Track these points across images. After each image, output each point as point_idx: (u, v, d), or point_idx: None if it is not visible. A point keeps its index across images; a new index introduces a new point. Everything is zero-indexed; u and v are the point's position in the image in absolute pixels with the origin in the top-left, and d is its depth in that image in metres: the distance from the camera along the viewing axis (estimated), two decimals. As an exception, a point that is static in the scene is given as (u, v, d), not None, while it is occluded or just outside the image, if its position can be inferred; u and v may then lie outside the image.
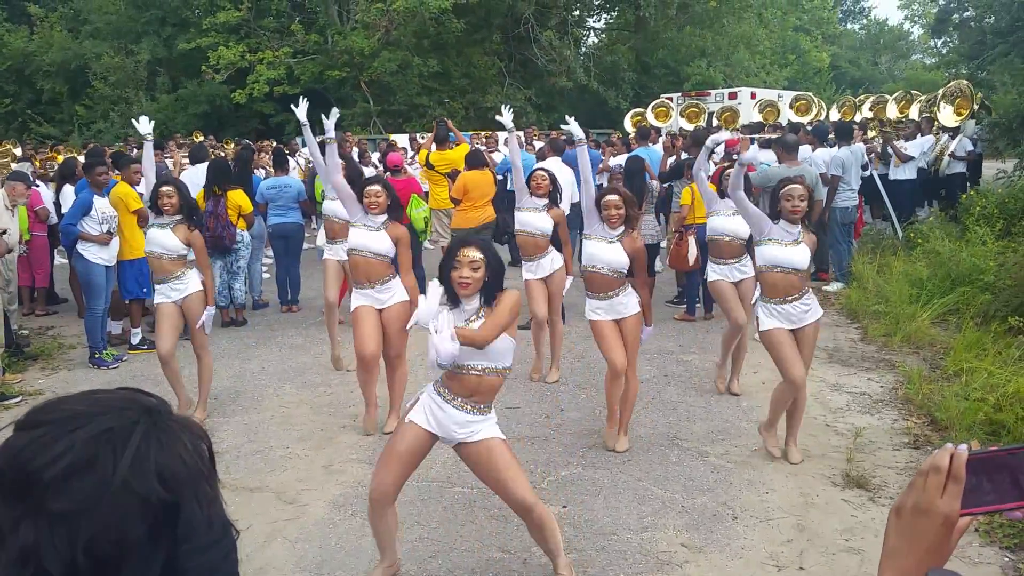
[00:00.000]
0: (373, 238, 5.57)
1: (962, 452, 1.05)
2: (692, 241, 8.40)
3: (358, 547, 4.27)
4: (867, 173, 11.16)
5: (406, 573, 3.99)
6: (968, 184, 12.71)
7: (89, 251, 7.51)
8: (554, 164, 9.30)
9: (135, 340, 8.14)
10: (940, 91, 14.20)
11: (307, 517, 4.63)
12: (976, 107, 13.49)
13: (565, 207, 8.57)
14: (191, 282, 6.01)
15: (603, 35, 33.61)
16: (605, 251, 5.30)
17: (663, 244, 10.27)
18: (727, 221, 6.40)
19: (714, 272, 6.51)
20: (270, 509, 4.75)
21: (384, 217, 5.61)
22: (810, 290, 5.18)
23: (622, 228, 5.33)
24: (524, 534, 4.29)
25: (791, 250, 5.02)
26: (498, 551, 4.21)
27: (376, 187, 5.62)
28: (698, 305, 8.98)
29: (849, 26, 58.22)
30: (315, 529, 4.49)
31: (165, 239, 5.92)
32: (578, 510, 4.61)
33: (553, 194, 6.83)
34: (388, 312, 5.68)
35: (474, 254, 3.56)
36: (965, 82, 14.31)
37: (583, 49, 31.10)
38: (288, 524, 4.56)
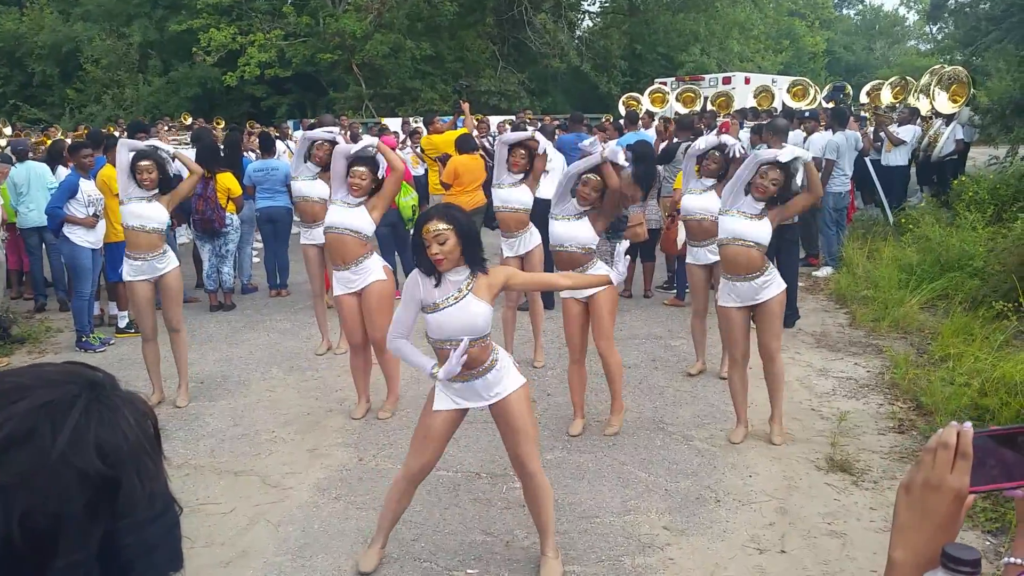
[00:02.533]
0: (350, 215, 5.52)
1: (968, 429, 1.08)
2: (682, 225, 8.37)
3: (341, 530, 4.27)
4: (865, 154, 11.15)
5: (389, 554, 3.99)
6: (959, 170, 12.71)
7: (75, 234, 7.46)
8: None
9: (122, 324, 8.12)
10: (930, 77, 14.15)
11: (291, 500, 4.63)
12: (972, 93, 13.47)
13: (552, 192, 8.52)
14: (170, 260, 5.99)
15: (597, 19, 33.47)
16: (571, 229, 5.24)
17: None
18: (697, 199, 6.37)
19: (690, 255, 6.54)
20: (254, 492, 4.75)
21: (362, 200, 5.58)
22: (771, 266, 5.17)
23: (589, 208, 5.28)
24: (507, 517, 4.32)
25: (753, 223, 5.02)
26: (481, 534, 4.22)
27: (362, 169, 5.53)
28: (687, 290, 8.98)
29: (844, 11, 58.19)
30: (299, 512, 4.49)
31: (145, 210, 5.81)
32: (562, 493, 4.60)
33: (528, 167, 6.79)
34: (366, 293, 5.60)
35: (437, 226, 3.51)
36: (962, 69, 14.28)
37: (577, 33, 30.97)
38: (272, 507, 4.55)
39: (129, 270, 5.92)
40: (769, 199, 5.04)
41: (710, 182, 6.37)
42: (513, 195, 6.66)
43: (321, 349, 7.41)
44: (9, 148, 10.23)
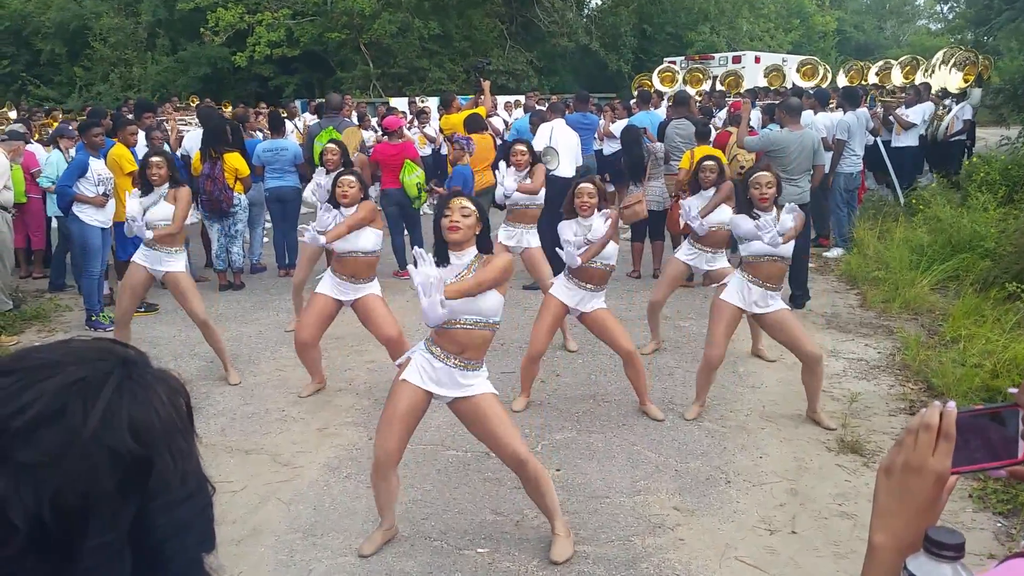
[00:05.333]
0: (359, 239, 5.53)
1: (951, 410, 1.05)
2: (685, 206, 8.35)
3: (351, 509, 4.28)
4: (871, 142, 11.05)
5: (400, 534, 4.00)
6: (969, 151, 12.62)
7: (85, 213, 7.46)
8: (558, 126, 9.23)
9: (132, 303, 8.12)
10: (940, 56, 14.03)
11: (301, 479, 4.65)
12: (984, 75, 13.36)
13: (569, 170, 8.51)
14: (179, 262, 6.06)
15: (606, -3, 33.24)
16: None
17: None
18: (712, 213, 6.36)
19: (682, 251, 6.51)
20: (265, 471, 4.76)
21: (354, 209, 5.57)
22: (779, 293, 5.21)
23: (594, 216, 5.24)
24: (517, 497, 4.32)
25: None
26: (491, 513, 4.22)
27: (349, 178, 5.61)
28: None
29: (855, -11, 57.57)
30: (309, 491, 4.50)
31: (161, 211, 5.97)
32: (571, 473, 4.62)
33: (531, 163, 6.77)
34: (361, 304, 5.61)
35: (465, 203, 3.64)
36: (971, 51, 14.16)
37: (585, 11, 30.76)
38: (282, 486, 4.57)
39: (138, 255, 6.11)
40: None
41: (710, 193, 6.40)
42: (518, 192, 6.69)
43: (290, 326, 7.43)
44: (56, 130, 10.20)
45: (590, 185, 5.29)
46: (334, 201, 5.66)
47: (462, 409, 3.73)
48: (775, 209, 5.13)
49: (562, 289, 5.34)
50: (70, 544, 0.83)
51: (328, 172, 7.02)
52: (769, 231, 4.90)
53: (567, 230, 5.29)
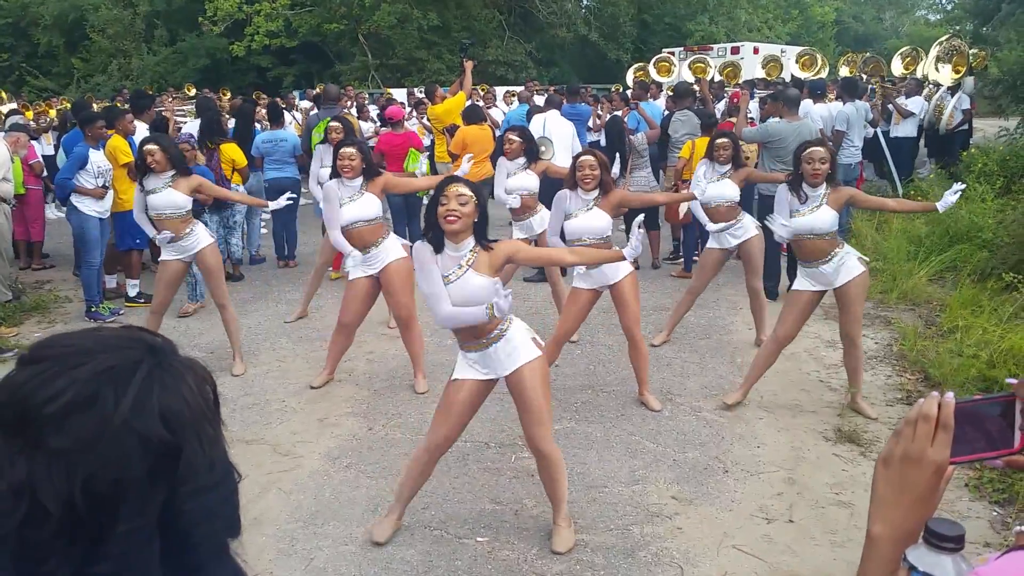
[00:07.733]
0: (361, 206, 5.50)
1: (949, 400, 1.06)
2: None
3: (351, 498, 4.31)
4: (870, 133, 11.04)
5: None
6: (969, 141, 12.62)
7: (84, 204, 7.47)
8: (553, 118, 9.22)
9: (132, 293, 8.14)
10: (935, 51, 13.99)
11: (302, 469, 4.67)
12: (973, 64, 13.32)
13: (565, 160, 8.49)
14: (200, 237, 6.01)
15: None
16: (584, 220, 5.22)
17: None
18: (712, 187, 6.29)
19: (712, 239, 6.49)
20: (266, 461, 4.79)
21: (360, 180, 5.52)
22: (844, 247, 5.14)
23: (596, 192, 5.24)
24: (516, 486, 4.35)
25: (811, 216, 5.04)
26: (490, 503, 4.25)
27: (350, 150, 5.49)
28: (695, 260, 8.95)
29: (854, -20, 57.38)
30: (310, 480, 4.53)
31: (171, 197, 5.87)
32: (570, 463, 4.61)
33: (529, 151, 6.75)
34: (386, 273, 5.58)
35: (462, 189, 3.52)
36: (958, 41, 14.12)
37: (584, 2, 30.69)
38: (283, 476, 4.59)
39: (164, 251, 6.06)
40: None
41: (724, 169, 6.33)
42: (517, 182, 6.67)
43: (291, 317, 7.56)
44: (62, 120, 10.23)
45: (591, 158, 5.24)
46: (336, 173, 5.56)
47: (509, 384, 3.71)
48: (825, 185, 5.07)
49: (580, 279, 5.38)
50: (101, 529, 0.84)
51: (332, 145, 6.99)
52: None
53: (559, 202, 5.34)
